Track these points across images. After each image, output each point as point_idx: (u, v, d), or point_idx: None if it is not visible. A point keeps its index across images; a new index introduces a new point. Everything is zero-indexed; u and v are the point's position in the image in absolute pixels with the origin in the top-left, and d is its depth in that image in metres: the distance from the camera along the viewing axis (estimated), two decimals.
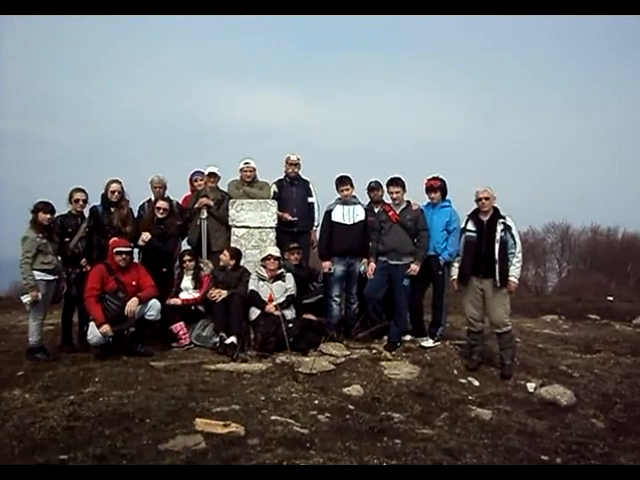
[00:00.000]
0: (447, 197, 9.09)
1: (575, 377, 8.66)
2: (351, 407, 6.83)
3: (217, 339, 8.76)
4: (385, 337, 9.02)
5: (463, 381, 8.00)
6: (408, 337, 9.08)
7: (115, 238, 8.63)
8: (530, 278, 47.59)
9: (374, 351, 8.60)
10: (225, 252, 9.32)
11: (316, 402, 6.90)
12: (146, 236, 9.15)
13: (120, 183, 9.16)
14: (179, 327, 8.98)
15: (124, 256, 8.42)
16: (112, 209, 9.05)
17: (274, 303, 8.85)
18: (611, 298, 28.35)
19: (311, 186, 10.21)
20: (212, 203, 9.68)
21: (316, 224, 10.05)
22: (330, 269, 9.15)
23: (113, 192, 9.03)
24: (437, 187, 8.95)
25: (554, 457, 6.01)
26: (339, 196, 9.26)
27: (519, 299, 24.83)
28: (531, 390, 7.93)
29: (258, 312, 8.92)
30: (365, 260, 9.06)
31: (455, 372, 8.26)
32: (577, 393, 7.91)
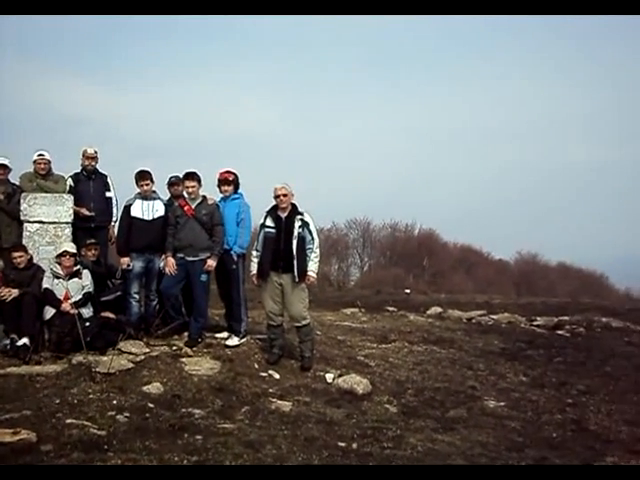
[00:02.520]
0: (240, 191, 9.12)
1: (371, 366, 9.05)
2: (151, 405, 6.72)
3: (7, 341, 8.25)
4: (186, 333, 8.91)
5: (264, 374, 8.10)
6: (226, 334, 9.02)
7: None
8: (333, 273, 49.08)
9: (174, 348, 8.47)
10: (17, 251, 8.75)
11: (114, 402, 6.73)
12: None
13: None
14: None
15: None
16: None
17: (70, 301, 8.49)
18: (408, 291, 29.96)
19: (109, 180, 9.90)
20: (2, 197, 9.10)
21: (114, 219, 9.75)
22: (129, 265, 8.91)
23: None
24: (230, 180, 8.97)
25: (350, 443, 6.25)
26: (138, 191, 9.03)
27: (322, 293, 25.63)
28: (330, 380, 8.19)
29: (53, 311, 8.50)
30: (164, 256, 8.90)
31: (256, 366, 8.33)
32: (373, 381, 8.29)
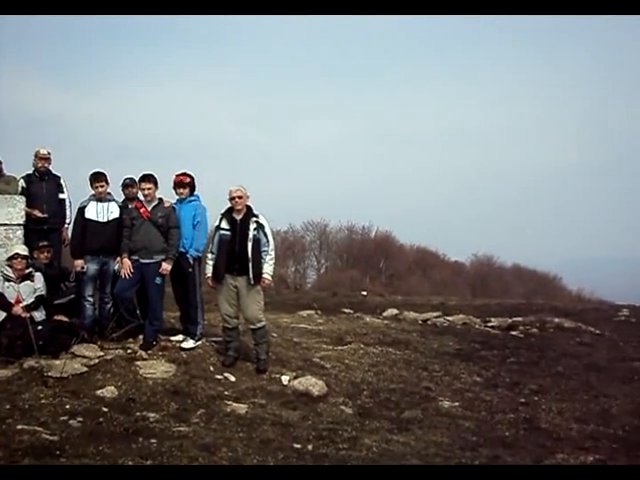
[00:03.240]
0: (196, 193, 9.09)
1: (327, 368, 9.08)
2: (105, 409, 6.67)
3: None
4: (141, 336, 8.83)
5: (219, 377, 8.07)
6: (181, 337, 8.96)
7: None
8: (289, 275, 48.99)
9: (129, 351, 8.38)
10: None
11: (67, 407, 6.66)
12: None
13: None
14: None
15: None
16: None
17: (22, 305, 8.35)
18: (364, 293, 30.02)
19: (62, 181, 9.77)
20: None
21: (68, 221, 9.63)
22: (83, 268, 8.79)
23: None
24: (186, 183, 8.93)
25: (306, 444, 6.30)
26: (93, 192, 8.92)
27: (278, 295, 25.58)
28: (285, 382, 8.21)
29: (4, 315, 8.35)
30: (119, 259, 8.80)
31: (212, 369, 8.30)
32: (328, 383, 8.32)
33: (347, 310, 16.94)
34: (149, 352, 8.45)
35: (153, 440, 5.99)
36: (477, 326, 14.40)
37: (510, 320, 15.09)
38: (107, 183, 8.95)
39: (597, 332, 14.20)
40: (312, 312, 15.09)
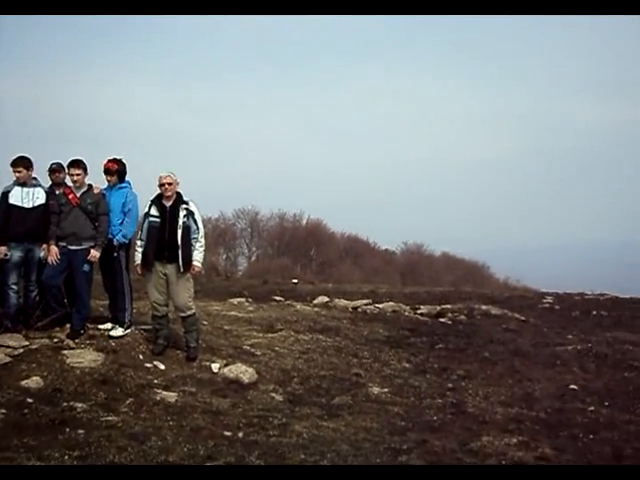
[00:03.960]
0: (127, 179, 8.93)
1: (257, 355, 9.09)
2: (30, 400, 6.53)
3: None
4: (68, 325, 8.65)
5: (149, 365, 7.98)
6: (109, 325, 8.80)
7: None
8: (221, 262, 48.68)
9: (56, 340, 8.18)
10: None
11: None
12: None
13: None
14: None
15: None
16: None
17: None
18: (295, 281, 30.10)
19: None
20: None
21: None
22: (6, 255, 8.54)
23: None
24: (114, 170, 8.77)
25: (236, 432, 6.31)
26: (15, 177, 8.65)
27: (209, 283, 25.42)
28: (216, 370, 8.18)
29: None
30: (45, 245, 8.59)
31: (141, 357, 8.19)
32: (259, 370, 8.34)
33: (278, 298, 16.98)
34: (76, 341, 8.27)
35: (80, 431, 5.90)
36: (406, 313, 14.61)
37: (439, 307, 15.40)
38: (28, 168, 8.68)
39: (522, 319, 14.62)
40: (243, 300, 15.08)
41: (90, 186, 8.62)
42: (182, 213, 8.27)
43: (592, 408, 7.71)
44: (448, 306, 15.69)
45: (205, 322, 10.31)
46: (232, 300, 14.81)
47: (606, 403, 7.94)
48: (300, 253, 51.50)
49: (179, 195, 8.41)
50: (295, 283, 28.37)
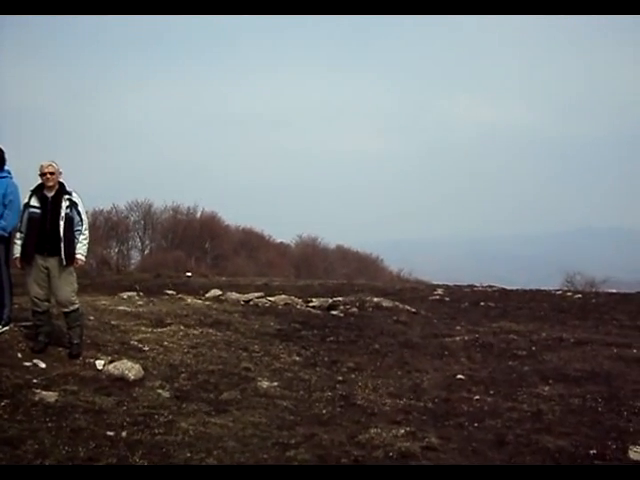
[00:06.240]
0: (6, 168, 8.50)
1: (145, 351, 8.86)
2: None
3: None
4: None
5: (28, 364, 7.60)
6: None
7: None
8: (112, 256, 47.56)
9: None
10: None
11: None
12: None
13: None
14: None
15: None
16: None
17: None
18: (189, 274, 29.87)
19: None
20: None
21: None
22: None
23: None
24: None
25: (120, 431, 6.09)
26: None
27: (100, 277, 24.81)
28: (100, 367, 7.90)
29: None
30: None
31: (19, 355, 7.79)
32: (145, 366, 8.11)
33: (169, 292, 16.74)
34: None
35: None
36: (299, 306, 14.66)
37: (331, 300, 15.52)
38: None
39: (413, 311, 14.92)
40: (133, 294, 14.75)
41: None
42: (65, 204, 7.93)
43: (477, 397, 7.89)
44: (340, 299, 15.84)
45: (91, 317, 9.97)
46: (122, 294, 14.46)
47: (491, 392, 8.14)
48: (194, 246, 51.02)
49: (62, 185, 8.06)
50: (189, 277, 28.13)
